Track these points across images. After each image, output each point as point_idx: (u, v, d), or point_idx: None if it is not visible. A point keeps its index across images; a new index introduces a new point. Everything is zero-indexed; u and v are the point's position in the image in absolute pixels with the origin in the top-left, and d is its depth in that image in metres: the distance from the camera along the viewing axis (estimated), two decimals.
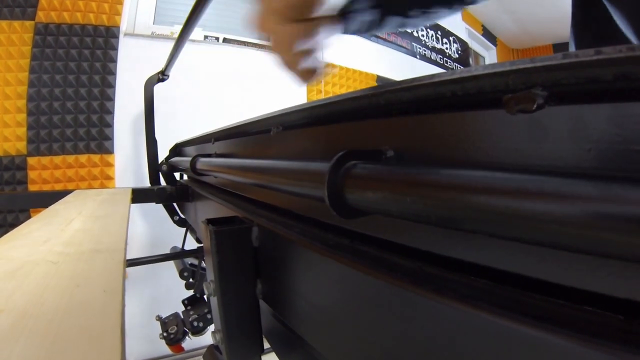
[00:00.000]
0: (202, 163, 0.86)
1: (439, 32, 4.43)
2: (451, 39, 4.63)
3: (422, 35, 4.18)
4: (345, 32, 0.59)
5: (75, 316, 0.35)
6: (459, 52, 4.76)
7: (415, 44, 4.05)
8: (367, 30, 0.64)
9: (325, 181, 0.30)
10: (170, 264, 1.89)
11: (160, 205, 1.73)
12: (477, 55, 5.31)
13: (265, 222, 0.55)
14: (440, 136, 0.30)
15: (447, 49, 4.55)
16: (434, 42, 4.35)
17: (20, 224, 0.74)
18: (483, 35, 5.36)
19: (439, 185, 0.23)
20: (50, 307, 0.37)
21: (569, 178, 0.17)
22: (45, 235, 0.65)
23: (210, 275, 0.59)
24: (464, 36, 4.85)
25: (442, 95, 0.28)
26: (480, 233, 0.22)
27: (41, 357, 0.29)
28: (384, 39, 3.69)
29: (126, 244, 0.58)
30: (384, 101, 0.34)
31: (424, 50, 4.18)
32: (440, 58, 4.42)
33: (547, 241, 0.18)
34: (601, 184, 0.16)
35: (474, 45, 5.11)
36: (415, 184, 0.25)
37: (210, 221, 0.58)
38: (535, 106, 0.21)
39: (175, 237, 1.91)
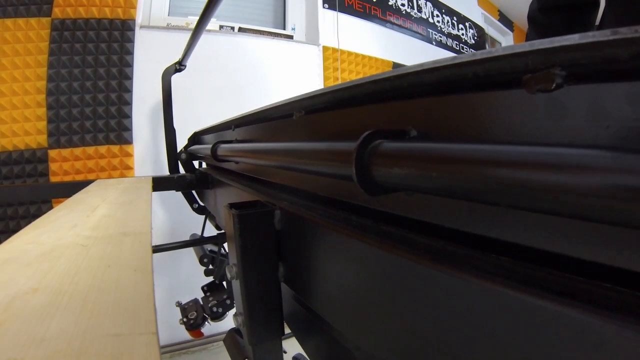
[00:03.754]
0: (224, 149, 0.87)
1: (455, 18, 4.36)
2: (467, 24, 4.56)
3: (438, 22, 4.12)
4: None
5: (109, 293, 0.36)
6: (475, 37, 4.68)
7: (430, 30, 4.00)
8: None
9: (352, 159, 0.30)
10: (189, 252, 1.91)
11: (179, 195, 1.75)
12: (493, 40, 5.23)
13: (288, 205, 0.56)
14: (462, 116, 0.30)
15: (463, 34, 4.48)
16: (450, 28, 4.28)
17: (43, 215, 0.76)
18: (499, 20, 5.27)
19: (464, 159, 0.24)
20: (84, 286, 0.38)
21: (589, 150, 0.18)
22: (72, 221, 0.67)
23: (232, 258, 0.60)
24: (480, 22, 4.77)
25: (463, 77, 0.29)
26: (505, 205, 0.22)
27: (79, 331, 0.30)
28: (400, 26, 3.65)
29: (151, 227, 0.60)
30: (406, 83, 0.35)
31: (440, 37, 4.12)
32: (457, 44, 4.36)
33: (567, 211, 0.19)
34: (620, 155, 0.16)
35: (490, 30, 5.03)
36: (441, 159, 0.25)
37: (232, 205, 0.59)
38: (554, 85, 0.22)
39: (193, 226, 1.93)
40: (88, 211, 0.76)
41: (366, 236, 0.38)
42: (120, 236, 0.55)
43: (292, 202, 0.57)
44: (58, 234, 0.59)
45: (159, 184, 1.51)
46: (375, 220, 0.41)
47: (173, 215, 2.41)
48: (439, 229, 0.33)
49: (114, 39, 2.28)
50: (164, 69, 1.85)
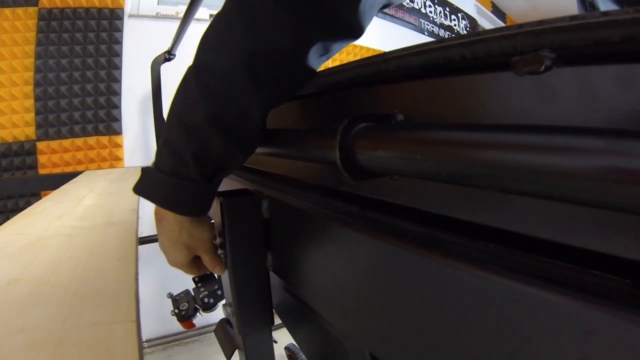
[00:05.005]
0: None
1: (447, 9, 4.35)
2: (459, 15, 4.55)
3: (430, 12, 4.11)
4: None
5: (91, 282, 0.35)
6: (468, 28, 4.68)
7: (423, 21, 3.99)
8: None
9: (336, 144, 0.30)
10: None
11: None
12: None
13: (276, 193, 0.55)
14: (449, 99, 0.29)
15: (455, 25, 4.47)
16: (442, 19, 4.27)
17: None
18: (492, 12, 5.27)
19: (449, 141, 0.23)
20: (67, 275, 0.38)
21: (578, 133, 0.17)
22: (59, 212, 0.66)
23: (220, 248, 0.60)
24: (472, 13, 4.76)
25: (451, 59, 0.28)
26: (492, 189, 0.22)
27: (59, 320, 0.29)
28: (392, 15, 3.64)
29: (138, 217, 0.59)
30: (393, 67, 0.34)
31: (432, 27, 4.11)
32: (449, 35, 4.35)
33: (556, 194, 0.18)
34: (610, 138, 0.16)
35: (482, 22, 5.01)
36: (426, 141, 0.24)
37: (220, 194, 0.58)
38: (543, 68, 0.21)
39: None
40: (75, 202, 0.75)
41: (353, 223, 0.37)
42: (105, 226, 0.54)
43: (280, 191, 0.57)
44: (44, 224, 0.58)
45: None
46: (362, 207, 0.41)
47: None
48: (426, 215, 0.32)
49: (102, 29, 2.25)
50: (153, 58, 1.83)
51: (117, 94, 2.27)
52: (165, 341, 2.42)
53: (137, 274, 0.37)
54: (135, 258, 0.41)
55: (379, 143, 0.28)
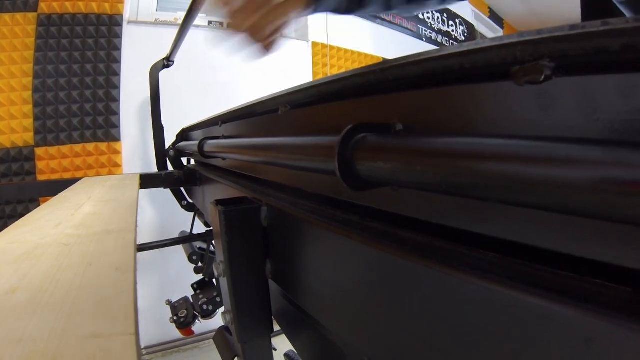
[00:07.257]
0: (210, 145, 0.86)
1: (445, 15, 4.37)
2: (457, 21, 4.57)
3: (428, 18, 4.13)
4: (318, 10, 0.59)
5: (89, 292, 0.35)
6: (465, 34, 4.70)
7: (421, 27, 4.01)
8: (347, 10, 0.63)
9: (335, 154, 0.30)
10: (179, 249, 1.90)
11: (168, 192, 1.74)
12: (483, 37, 5.24)
13: (274, 201, 0.55)
14: (449, 109, 0.29)
15: (453, 31, 4.50)
16: (440, 25, 4.30)
17: None
18: (490, 17, 5.29)
19: (450, 152, 0.23)
20: (65, 285, 0.37)
21: (577, 143, 0.17)
22: (57, 220, 0.66)
23: (219, 256, 0.60)
24: (470, 18, 4.79)
25: (450, 69, 0.28)
26: (492, 200, 0.22)
27: (57, 331, 0.29)
28: (390, 22, 3.65)
29: (136, 225, 0.59)
30: (392, 76, 0.34)
31: (430, 33, 4.13)
32: (447, 40, 4.37)
33: (556, 205, 0.18)
34: (610, 149, 0.16)
35: (480, 27, 5.04)
36: (426, 152, 0.24)
37: (219, 202, 0.58)
38: (543, 77, 0.21)
39: (183, 222, 1.92)
40: (73, 209, 0.75)
41: (352, 232, 0.37)
42: (103, 234, 0.54)
43: (279, 199, 0.57)
44: (42, 232, 0.58)
45: (147, 181, 1.50)
46: (361, 216, 0.41)
47: (163, 212, 2.39)
48: (426, 225, 0.32)
49: (101, 35, 2.26)
50: (152, 64, 1.84)
51: (116, 100, 2.27)
52: (164, 348, 2.41)
53: (135, 284, 0.37)
54: (134, 268, 0.40)
55: (379, 154, 0.28)
